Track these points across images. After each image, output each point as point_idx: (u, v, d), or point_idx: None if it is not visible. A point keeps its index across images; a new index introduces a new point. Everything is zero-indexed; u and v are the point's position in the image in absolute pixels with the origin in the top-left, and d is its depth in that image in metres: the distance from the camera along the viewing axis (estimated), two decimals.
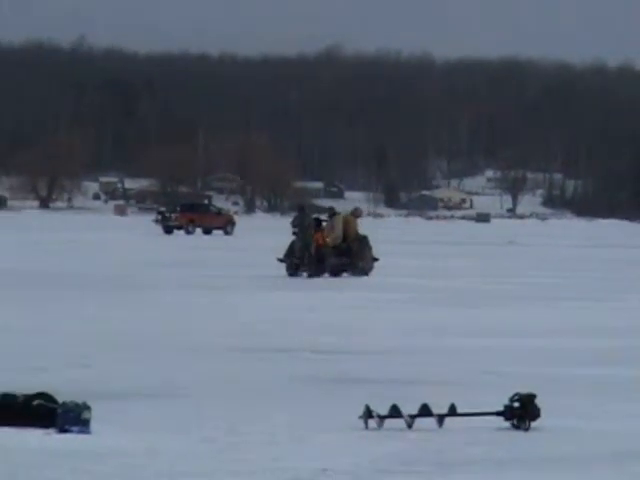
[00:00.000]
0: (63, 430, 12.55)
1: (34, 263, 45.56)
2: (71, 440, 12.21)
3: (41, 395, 13.14)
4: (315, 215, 49.78)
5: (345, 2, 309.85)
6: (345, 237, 41.71)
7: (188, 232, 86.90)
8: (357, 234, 42.64)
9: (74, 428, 12.56)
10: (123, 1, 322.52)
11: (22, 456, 11.36)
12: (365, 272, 41.10)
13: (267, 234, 73.27)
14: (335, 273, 41.00)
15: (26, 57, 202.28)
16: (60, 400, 12.99)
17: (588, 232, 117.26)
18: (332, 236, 41.62)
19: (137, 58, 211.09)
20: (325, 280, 41.46)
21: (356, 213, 44.86)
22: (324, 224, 43.28)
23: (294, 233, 43.38)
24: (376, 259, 41.95)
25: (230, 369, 19.19)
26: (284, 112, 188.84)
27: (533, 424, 13.65)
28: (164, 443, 12.14)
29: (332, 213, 45.69)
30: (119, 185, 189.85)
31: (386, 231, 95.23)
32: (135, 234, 79.98)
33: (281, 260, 41.64)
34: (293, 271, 41.13)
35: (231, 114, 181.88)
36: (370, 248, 42.36)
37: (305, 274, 41.20)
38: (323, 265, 40.92)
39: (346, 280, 41.63)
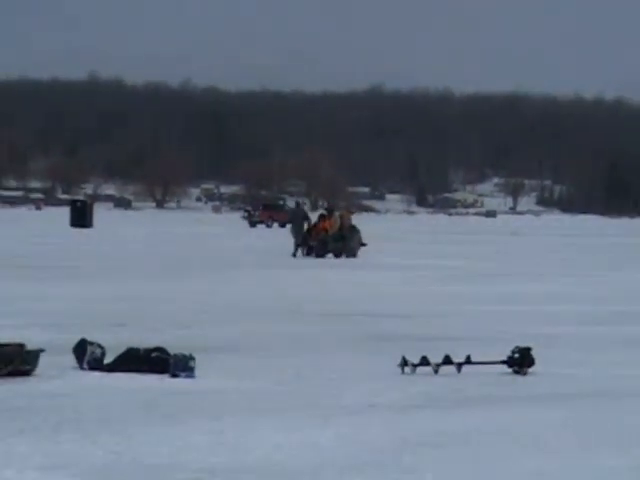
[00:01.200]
0: (174, 375, 12.77)
1: (155, 249, 45.97)
2: (180, 383, 12.54)
3: (158, 349, 13.38)
4: (322, 211, 51.23)
5: (385, 50, 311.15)
6: (341, 227, 42.19)
7: (268, 226, 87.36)
8: (350, 225, 43.26)
9: (182, 374, 12.80)
10: (219, 49, 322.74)
11: (143, 395, 11.58)
12: (354, 254, 41.05)
13: None
14: (337, 254, 40.97)
15: (147, 94, 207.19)
16: (172, 353, 13.23)
17: (571, 224, 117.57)
18: (332, 227, 42.35)
19: (229, 94, 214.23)
20: (337, 260, 41.03)
21: (350, 210, 50.29)
22: (329, 216, 44.15)
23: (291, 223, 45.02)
24: (364, 244, 42.13)
25: (298, 329, 18.86)
26: (339, 134, 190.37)
27: (529, 370, 13.80)
28: (249, 385, 12.44)
29: (331, 209, 47.38)
30: (215, 190, 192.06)
31: (417, 225, 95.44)
32: (228, 227, 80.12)
33: (298, 245, 42.17)
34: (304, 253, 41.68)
35: (299, 136, 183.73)
36: (359, 236, 42.57)
37: (313, 254, 41.08)
38: (326, 248, 41.11)
39: (357, 260, 40.92)
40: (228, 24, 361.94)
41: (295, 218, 44.08)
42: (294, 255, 40.56)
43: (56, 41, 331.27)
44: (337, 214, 44.75)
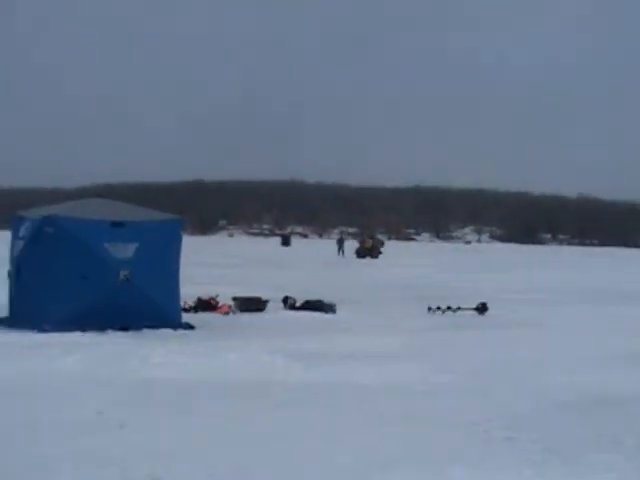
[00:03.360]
0: (326, 312, 15.24)
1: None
2: (329, 316, 15.04)
3: (319, 300, 15.93)
4: (361, 237, 61.36)
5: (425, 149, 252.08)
6: (373, 244, 51.27)
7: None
8: (377, 241, 52.68)
9: (330, 312, 15.36)
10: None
11: (313, 320, 14.27)
12: (376, 257, 48.22)
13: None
14: (374, 257, 48.72)
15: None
16: (325, 302, 15.84)
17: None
18: (367, 244, 51.51)
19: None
20: (378, 260, 46.86)
21: (379, 239, 56.68)
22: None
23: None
24: (380, 252, 49.67)
25: (377, 293, 20.60)
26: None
27: (487, 313, 16.26)
28: (360, 317, 14.86)
29: (371, 236, 57.30)
30: None
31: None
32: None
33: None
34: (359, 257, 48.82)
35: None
36: (380, 247, 50.96)
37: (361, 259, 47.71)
38: (364, 254, 49.43)
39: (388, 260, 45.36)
40: None
41: (340, 243, 54.84)
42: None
43: None
44: (370, 238, 54.80)
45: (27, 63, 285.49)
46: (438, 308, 16.21)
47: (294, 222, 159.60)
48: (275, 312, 15.34)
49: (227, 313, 14.82)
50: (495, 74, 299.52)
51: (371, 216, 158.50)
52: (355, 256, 49.07)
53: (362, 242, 52.88)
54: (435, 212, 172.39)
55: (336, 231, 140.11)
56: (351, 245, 56.60)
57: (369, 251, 49.69)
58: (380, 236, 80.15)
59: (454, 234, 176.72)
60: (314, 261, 42.15)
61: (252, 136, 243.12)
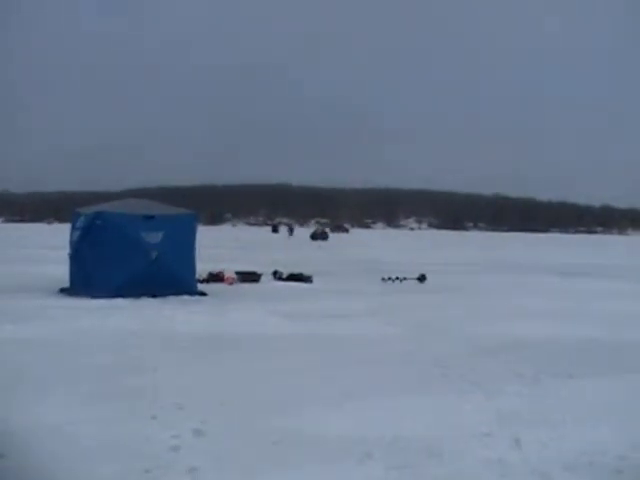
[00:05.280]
0: (304, 282, 14.64)
1: None
2: (307, 285, 14.49)
3: (300, 273, 15.39)
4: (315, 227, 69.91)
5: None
6: (323, 231, 56.25)
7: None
8: (323, 230, 57.29)
9: (308, 282, 14.83)
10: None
11: (295, 289, 13.64)
12: (325, 239, 51.17)
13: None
14: (324, 240, 50.49)
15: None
16: (305, 274, 15.31)
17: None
18: (318, 230, 56.23)
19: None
20: (341, 242, 47.85)
21: (323, 229, 61.04)
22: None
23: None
24: (327, 236, 52.97)
25: (339, 269, 17.97)
26: None
27: (425, 282, 15.71)
28: (330, 286, 13.97)
29: (322, 228, 63.79)
30: None
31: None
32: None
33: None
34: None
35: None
36: (326, 234, 54.51)
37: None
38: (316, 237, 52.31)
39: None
40: None
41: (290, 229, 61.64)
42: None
43: None
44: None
45: None
46: (389, 278, 15.89)
47: (281, 215, 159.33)
48: (267, 282, 14.97)
49: (231, 283, 14.44)
50: None
51: (339, 210, 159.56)
52: (310, 239, 50.95)
53: (316, 230, 58.24)
54: (387, 207, 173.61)
55: (313, 221, 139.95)
56: (301, 232, 59.27)
57: (319, 235, 52.97)
58: (346, 225, 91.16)
59: (401, 223, 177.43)
60: (295, 244, 41.70)
61: (249, 146, 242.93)
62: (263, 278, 15.17)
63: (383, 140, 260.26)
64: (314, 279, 15.25)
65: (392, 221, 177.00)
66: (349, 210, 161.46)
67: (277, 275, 15.80)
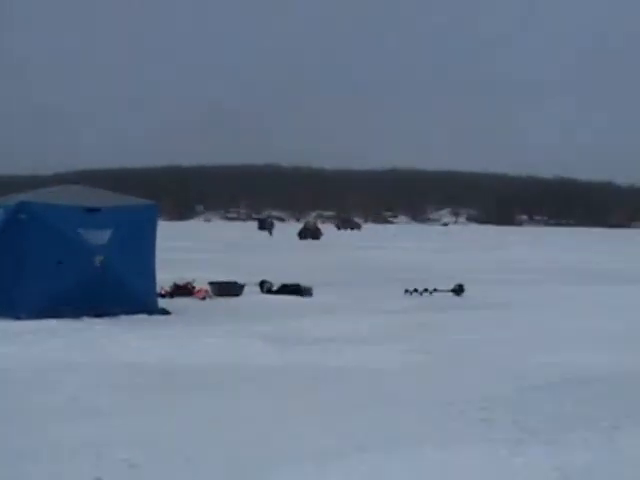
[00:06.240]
0: (303, 296, 15.26)
1: None
2: (307, 299, 15.11)
3: (296, 284, 15.86)
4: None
5: None
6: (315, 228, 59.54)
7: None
8: (315, 226, 59.89)
9: (307, 296, 15.45)
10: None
11: (291, 303, 14.21)
12: (318, 238, 54.58)
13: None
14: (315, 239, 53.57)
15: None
16: (302, 286, 15.78)
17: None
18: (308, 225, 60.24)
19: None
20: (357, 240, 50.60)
21: (315, 225, 61.99)
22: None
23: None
24: (321, 234, 56.35)
25: (349, 278, 19.00)
26: None
27: (463, 294, 16.23)
28: (331, 300, 14.68)
29: (314, 223, 64.24)
30: None
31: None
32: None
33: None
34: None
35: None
36: (319, 231, 57.22)
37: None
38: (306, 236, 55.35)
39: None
40: None
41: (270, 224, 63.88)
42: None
43: None
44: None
45: None
46: (415, 290, 16.16)
47: (271, 206, 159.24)
48: (252, 296, 15.32)
49: (203, 298, 14.79)
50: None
51: (347, 199, 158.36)
52: (297, 237, 54.01)
53: (305, 224, 61.17)
54: (410, 194, 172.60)
55: (313, 214, 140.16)
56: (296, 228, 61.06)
57: (311, 233, 55.45)
58: (357, 219, 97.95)
59: (431, 216, 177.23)
60: (288, 245, 42.55)
61: (228, 120, 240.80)
62: (246, 290, 15.59)
63: (402, 108, 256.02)
64: (315, 292, 15.72)
65: (419, 214, 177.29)
66: (360, 199, 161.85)
67: (265, 287, 16.22)
